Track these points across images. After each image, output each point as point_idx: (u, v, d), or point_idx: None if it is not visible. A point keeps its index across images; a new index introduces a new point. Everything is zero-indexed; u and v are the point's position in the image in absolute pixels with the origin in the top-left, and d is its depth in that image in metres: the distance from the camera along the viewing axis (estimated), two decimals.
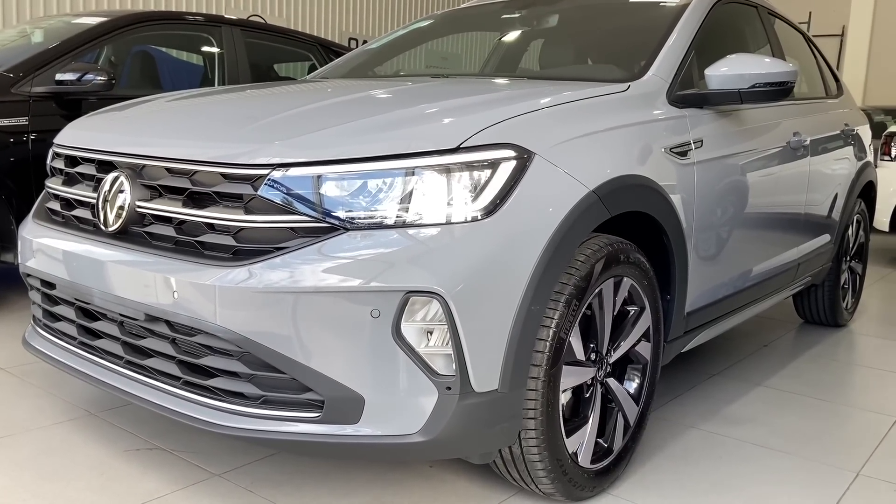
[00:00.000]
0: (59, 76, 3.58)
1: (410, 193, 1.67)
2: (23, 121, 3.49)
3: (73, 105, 3.66)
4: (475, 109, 1.92)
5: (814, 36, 4.18)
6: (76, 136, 2.21)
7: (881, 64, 12.21)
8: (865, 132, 4.04)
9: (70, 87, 3.58)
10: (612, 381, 2.09)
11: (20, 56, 3.69)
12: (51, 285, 2.14)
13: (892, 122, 8.36)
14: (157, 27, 4.34)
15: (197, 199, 1.80)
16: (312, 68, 5.14)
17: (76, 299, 2.05)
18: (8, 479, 2.01)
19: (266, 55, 5.10)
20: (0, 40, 4.24)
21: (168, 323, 1.80)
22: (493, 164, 1.73)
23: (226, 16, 5.11)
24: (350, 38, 10.30)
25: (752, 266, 2.82)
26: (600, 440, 2.06)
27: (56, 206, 2.21)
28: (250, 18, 7.07)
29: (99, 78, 3.59)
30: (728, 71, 2.37)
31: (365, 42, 8.77)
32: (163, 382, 1.87)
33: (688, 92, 2.44)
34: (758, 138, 2.76)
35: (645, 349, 2.19)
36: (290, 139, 1.76)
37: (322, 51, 5.25)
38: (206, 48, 4.64)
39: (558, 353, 1.81)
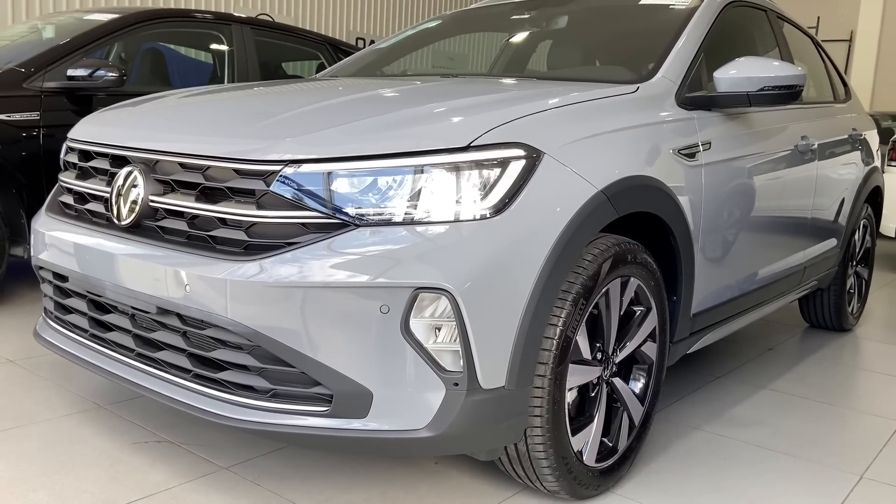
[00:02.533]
0: (70, 72, 3.61)
1: (420, 191, 1.69)
2: (34, 115, 3.52)
3: (83, 100, 3.69)
4: (485, 109, 1.93)
5: (822, 41, 4.18)
6: (90, 130, 2.23)
7: (889, 69, 12.19)
8: (873, 137, 4.04)
9: (81, 83, 3.61)
10: (617, 381, 2.10)
11: (32, 52, 3.73)
12: (63, 278, 2.16)
13: None
14: (167, 25, 4.37)
15: (209, 194, 1.81)
16: (321, 67, 5.16)
17: (88, 292, 2.07)
18: (17, 470, 2.03)
19: (275, 53, 5.12)
20: (12, 36, 4.27)
21: (179, 316, 1.82)
22: (503, 163, 1.74)
23: (235, 14, 5.13)
24: (358, 38, 10.33)
25: (758, 269, 2.83)
26: (605, 439, 2.07)
27: (69, 199, 2.23)
28: (258, 17, 7.09)
29: (110, 74, 3.62)
30: (737, 74, 2.38)
31: (373, 42, 8.80)
32: (173, 375, 1.89)
33: (696, 94, 2.45)
34: (766, 141, 2.77)
35: (651, 349, 2.20)
36: (302, 136, 1.78)
37: (330, 50, 5.27)
38: (215, 46, 4.67)
39: (565, 351, 1.82)
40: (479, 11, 3.55)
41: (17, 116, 3.46)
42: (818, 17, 12.31)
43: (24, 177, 3.48)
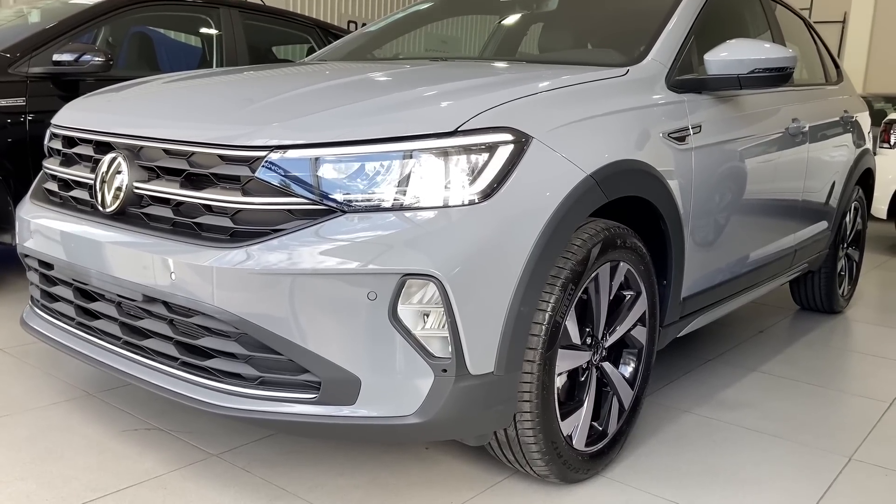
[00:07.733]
0: (56, 57, 3.56)
1: (408, 176, 1.67)
2: (20, 101, 3.48)
3: (70, 86, 3.65)
4: (473, 93, 1.91)
5: (815, 22, 4.16)
6: (74, 116, 2.20)
7: (882, 51, 12.17)
8: (865, 119, 4.04)
9: (67, 68, 3.56)
10: (607, 365, 2.10)
11: (17, 36, 3.67)
12: (49, 266, 2.14)
13: (892, 109, 8.35)
14: (154, 8, 4.32)
15: (195, 181, 1.80)
16: (311, 51, 5.12)
17: (74, 280, 2.05)
18: (5, 458, 2.02)
19: (264, 37, 5.07)
20: None
21: (166, 304, 1.81)
22: (491, 148, 1.73)
23: None
24: (349, 21, 10.25)
25: (748, 252, 2.83)
26: (595, 423, 2.07)
27: (54, 186, 2.20)
28: (248, 0, 7.01)
29: (96, 59, 3.57)
30: (727, 56, 2.36)
31: (364, 25, 8.72)
32: (160, 363, 1.88)
33: (687, 77, 2.43)
34: (756, 124, 2.76)
35: (641, 334, 2.20)
36: (289, 121, 1.76)
37: (320, 33, 5.23)
38: (204, 30, 4.62)
39: (554, 336, 1.82)
40: None
41: (2, 102, 3.42)
42: None
43: (10, 164, 3.44)
